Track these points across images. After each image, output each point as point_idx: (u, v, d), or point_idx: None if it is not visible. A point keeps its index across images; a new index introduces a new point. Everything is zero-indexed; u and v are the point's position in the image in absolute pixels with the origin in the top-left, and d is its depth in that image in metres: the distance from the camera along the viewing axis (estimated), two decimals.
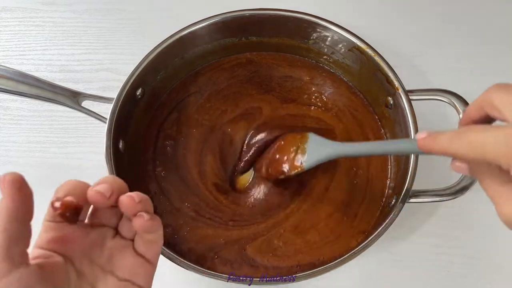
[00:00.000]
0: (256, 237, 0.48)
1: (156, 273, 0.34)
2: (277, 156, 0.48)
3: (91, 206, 0.33)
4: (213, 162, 0.51)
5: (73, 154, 0.57)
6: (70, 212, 0.30)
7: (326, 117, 0.54)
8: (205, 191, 0.50)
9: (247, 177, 0.51)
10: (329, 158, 0.43)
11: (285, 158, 0.47)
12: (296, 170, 0.45)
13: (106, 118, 0.46)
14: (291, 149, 0.47)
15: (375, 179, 0.51)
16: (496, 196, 0.28)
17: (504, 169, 0.25)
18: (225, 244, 0.47)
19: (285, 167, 0.46)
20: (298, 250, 0.47)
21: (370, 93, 0.54)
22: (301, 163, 0.45)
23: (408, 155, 0.45)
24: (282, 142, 0.49)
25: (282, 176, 0.46)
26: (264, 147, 0.52)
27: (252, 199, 0.50)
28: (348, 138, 0.53)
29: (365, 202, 0.50)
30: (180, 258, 0.41)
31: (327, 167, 0.51)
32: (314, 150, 0.44)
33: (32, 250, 0.29)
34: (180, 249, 0.47)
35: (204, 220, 0.49)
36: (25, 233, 0.28)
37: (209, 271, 0.41)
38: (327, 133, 0.53)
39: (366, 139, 0.53)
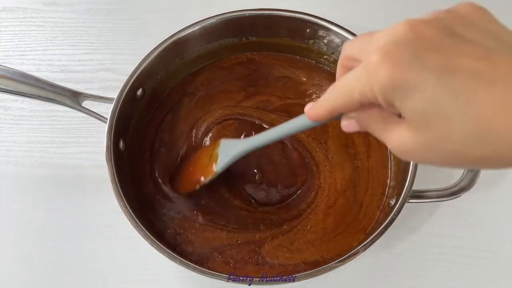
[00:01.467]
0: (273, 237, 0.48)
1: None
2: (191, 168, 0.49)
3: None
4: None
5: (73, 154, 0.57)
6: None
7: None
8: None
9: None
10: (237, 157, 0.44)
11: (198, 168, 0.48)
12: (210, 176, 0.46)
13: (106, 118, 0.46)
14: (204, 158, 0.48)
15: (376, 176, 0.51)
16: (383, 133, 0.28)
17: (377, 102, 0.25)
18: (237, 245, 0.48)
19: (200, 176, 0.47)
20: (310, 243, 0.48)
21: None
22: (214, 167, 0.46)
23: None
24: (197, 154, 0.50)
25: (197, 187, 0.47)
26: None
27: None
28: (347, 137, 0.53)
29: (368, 194, 0.50)
30: (180, 258, 0.41)
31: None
32: (224, 154, 0.45)
33: None
34: (183, 249, 0.47)
35: (208, 223, 0.49)
36: None
37: (209, 270, 0.41)
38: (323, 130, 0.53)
39: (366, 139, 0.53)
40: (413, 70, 0.23)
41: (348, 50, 0.29)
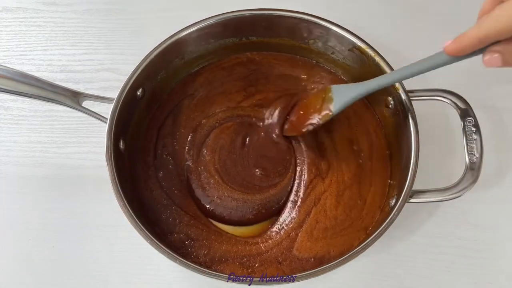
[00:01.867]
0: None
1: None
2: (302, 112, 0.51)
3: None
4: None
5: (73, 154, 0.57)
6: None
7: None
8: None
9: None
10: (356, 98, 0.45)
11: (312, 110, 0.49)
12: (325, 118, 0.47)
13: (106, 118, 0.46)
14: (316, 102, 0.49)
15: (378, 175, 0.51)
16: None
17: None
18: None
19: (314, 118, 0.48)
20: (325, 232, 0.48)
21: (370, 93, 0.54)
22: (329, 109, 0.47)
23: (408, 155, 0.45)
24: (305, 100, 0.52)
25: (311, 127, 0.49)
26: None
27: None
28: (350, 137, 0.53)
29: (372, 192, 0.50)
30: (180, 258, 0.41)
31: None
32: (340, 95, 0.47)
33: None
34: (186, 250, 0.47)
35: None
36: None
37: (208, 270, 0.41)
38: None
39: (368, 137, 0.53)
40: None
41: None
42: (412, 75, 0.40)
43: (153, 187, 0.50)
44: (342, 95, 0.46)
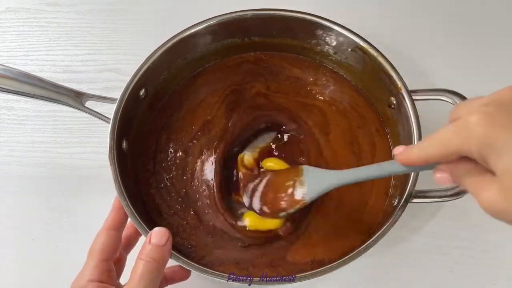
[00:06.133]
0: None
1: None
2: (271, 194, 0.46)
3: None
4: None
5: (76, 154, 0.57)
6: None
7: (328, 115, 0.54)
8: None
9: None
10: (330, 188, 0.41)
11: (282, 194, 0.45)
12: (298, 205, 0.43)
13: (109, 118, 0.46)
14: (287, 184, 0.45)
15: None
16: (475, 188, 0.29)
17: (472, 156, 0.27)
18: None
19: (284, 204, 0.44)
20: (324, 237, 0.47)
21: (373, 93, 0.54)
22: (302, 196, 0.43)
23: None
24: (274, 179, 0.47)
25: (283, 213, 0.44)
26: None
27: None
28: (352, 139, 0.53)
29: (374, 193, 0.50)
30: (183, 258, 0.41)
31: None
32: (315, 181, 0.42)
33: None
34: (188, 251, 0.47)
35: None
36: None
37: (208, 269, 0.41)
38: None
39: (371, 138, 0.53)
40: (509, 132, 0.25)
41: (455, 111, 0.30)
42: (378, 177, 0.38)
43: (157, 188, 0.51)
44: (316, 182, 0.42)
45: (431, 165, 0.32)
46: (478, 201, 0.29)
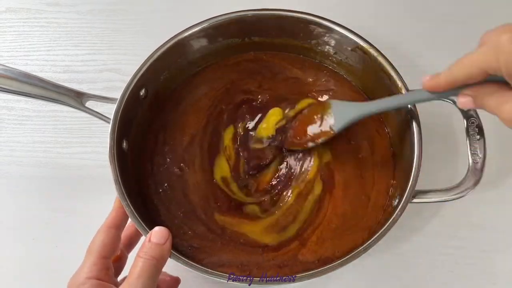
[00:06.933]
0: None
1: None
2: (301, 126, 0.50)
3: None
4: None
5: (77, 154, 0.57)
6: None
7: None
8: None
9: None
10: (358, 119, 0.45)
11: (311, 126, 0.48)
12: (326, 136, 0.47)
13: (109, 118, 0.46)
14: (315, 117, 0.48)
15: (380, 172, 0.51)
16: (497, 103, 0.32)
17: (502, 72, 0.30)
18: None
19: (313, 135, 0.48)
20: (332, 232, 0.48)
21: (373, 93, 0.54)
22: (330, 127, 0.46)
23: (411, 155, 0.45)
24: (305, 112, 0.51)
25: (312, 144, 0.48)
26: None
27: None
28: (352, 137, 0.53)
29: (375, 189, 0.50)
30: (183, 258, 0.41)
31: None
32: (341, 113, 0.46)
33: None
34: (189, 251, 0.47)
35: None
36: None
37: (208, 269, 0.41)
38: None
39: (371, 137, 0.53)
40: None
41: (484, 36, 0.33)
42: (404, 105, 0.45)
43: (157, 188, 0.51)
44: (342, 114, 0.46)
45: (456, 90, 0.35)
46: (499, 115, 0.32)
